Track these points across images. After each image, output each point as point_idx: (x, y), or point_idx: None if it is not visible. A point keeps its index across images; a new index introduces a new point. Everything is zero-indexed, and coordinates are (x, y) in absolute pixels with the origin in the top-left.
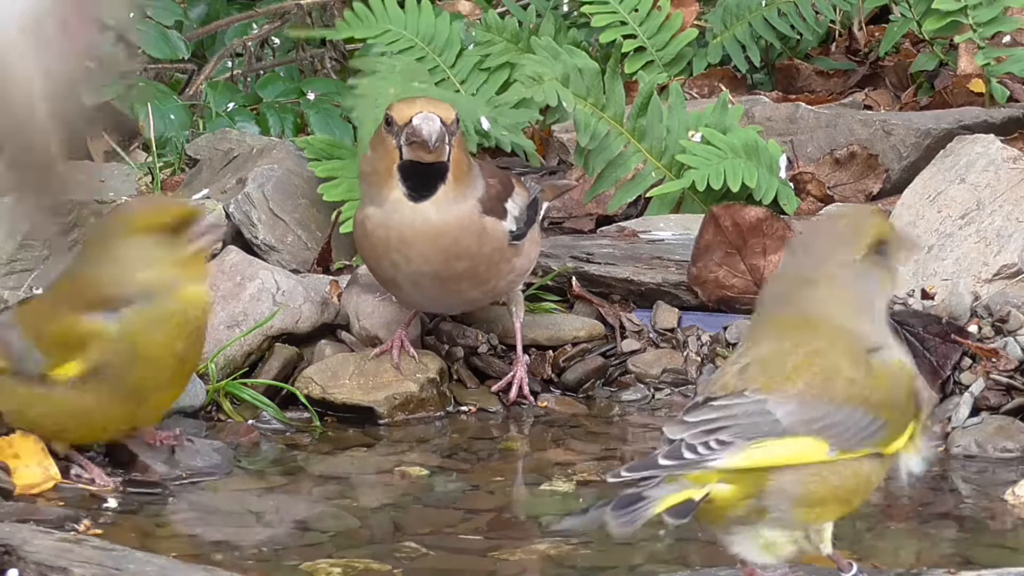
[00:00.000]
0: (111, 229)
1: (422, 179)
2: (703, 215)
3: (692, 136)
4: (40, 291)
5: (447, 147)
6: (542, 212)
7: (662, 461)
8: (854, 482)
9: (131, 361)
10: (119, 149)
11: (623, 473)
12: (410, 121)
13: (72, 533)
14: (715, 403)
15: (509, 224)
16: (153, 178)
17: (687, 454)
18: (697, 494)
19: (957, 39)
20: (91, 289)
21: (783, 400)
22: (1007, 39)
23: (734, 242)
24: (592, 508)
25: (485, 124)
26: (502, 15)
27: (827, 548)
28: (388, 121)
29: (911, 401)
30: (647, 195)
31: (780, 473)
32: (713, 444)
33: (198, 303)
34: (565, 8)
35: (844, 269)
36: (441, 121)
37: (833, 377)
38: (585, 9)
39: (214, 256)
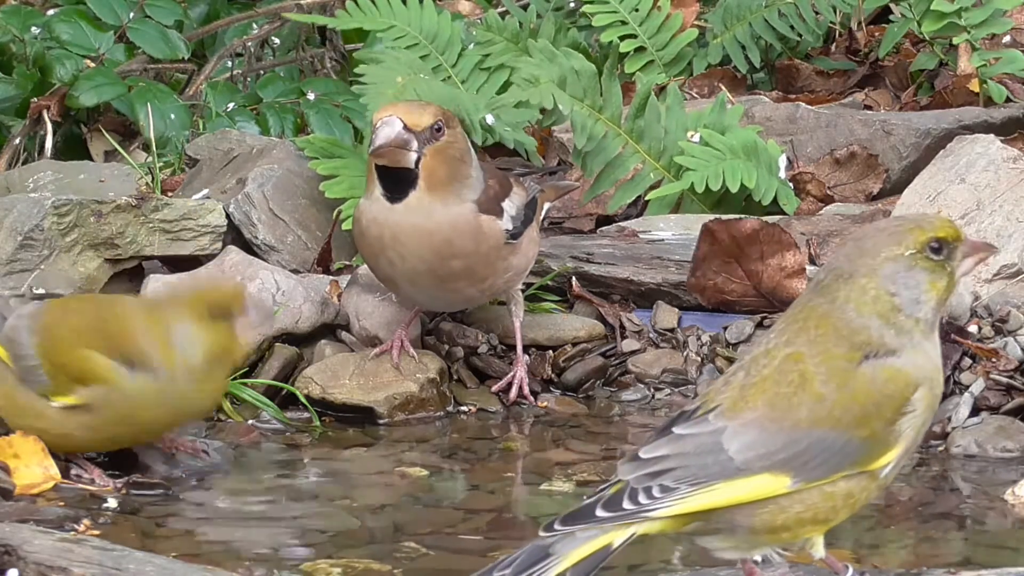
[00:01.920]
0: (169, 301)
1: (394, 181)
2: (702, 214)
3: (691, 136)
4: (40, 291)
5: (411, 153)
6: (543, 212)
7: (599, 513)
8: (828, 504)
9: (125, 417)
10: (120, 148)
11: (556, 527)
12: (375, 124)
13: (72, 533)
14: (675, 431)
15: (506, 223)
16: (153, 178)
17: (627, 504)
18: (619, 537)
19: (955, 40)
20: (124, 339)
21: (741, 429)
22: (1007, 39)
23: (731, 251)
24: (497, 567)
25: (490, 119)
26: (502, 15)
27: (819, 553)
28: (371, 122)
29: (900, 413)
30: (646, 197)
31: (728, 509)
32: (656, 492)
33: (212, 396)
34: (572, 4)
35: (887, 264)
36: (405, 127)
37: (800, 393)
38: (586, 8)
39: (213, 256)
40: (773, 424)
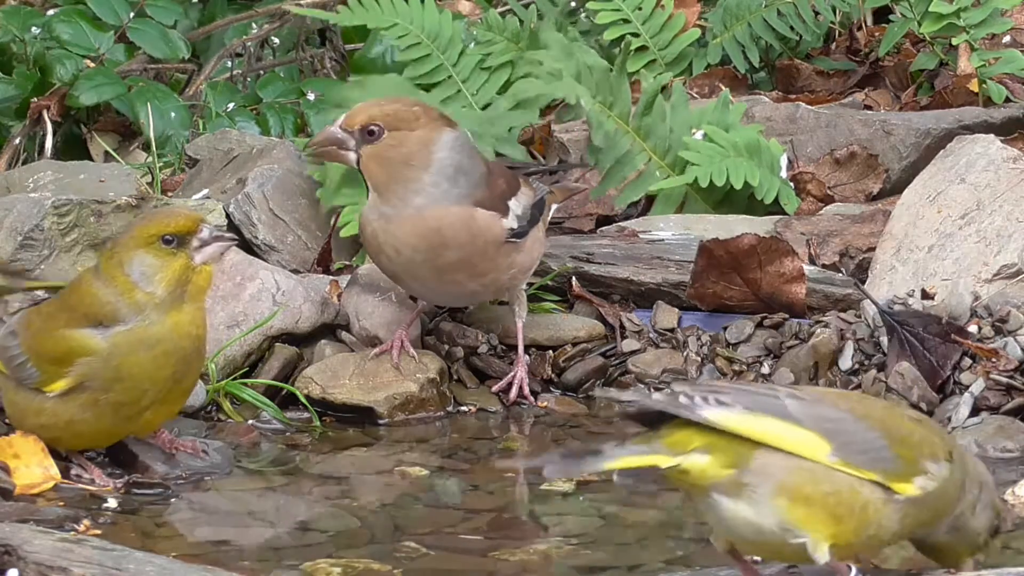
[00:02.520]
0: (117, 242)
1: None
2: (704, 214)
3: (695, 133)
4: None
5: (348, 153)
6: (550, 213)
7: (656, 396)
8: (848, 499)
9: (116, 379)
10: (112, 152)
11: (613, 394)
12: None
13: (72, 533)
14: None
15: (510, 221)
16: (153, 178)
17: (683, 399)
18: (666, 462)
19: (954, 40)
20: (88, 303)
21: (799, 400)
22: (1007, 39)
23: (729, 265)
24: (546, 455)
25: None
26: (503, 15)
27: (822, 558)
28: None
29: (931, 457)
30: (650, 191)
31: (768, 453)
32: (711, 400)
33: (189, 333)
34: (572, 4)
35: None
36: (342, 126)
37: (858, 403)
38: (590, 6)
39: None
40: (830, 408)
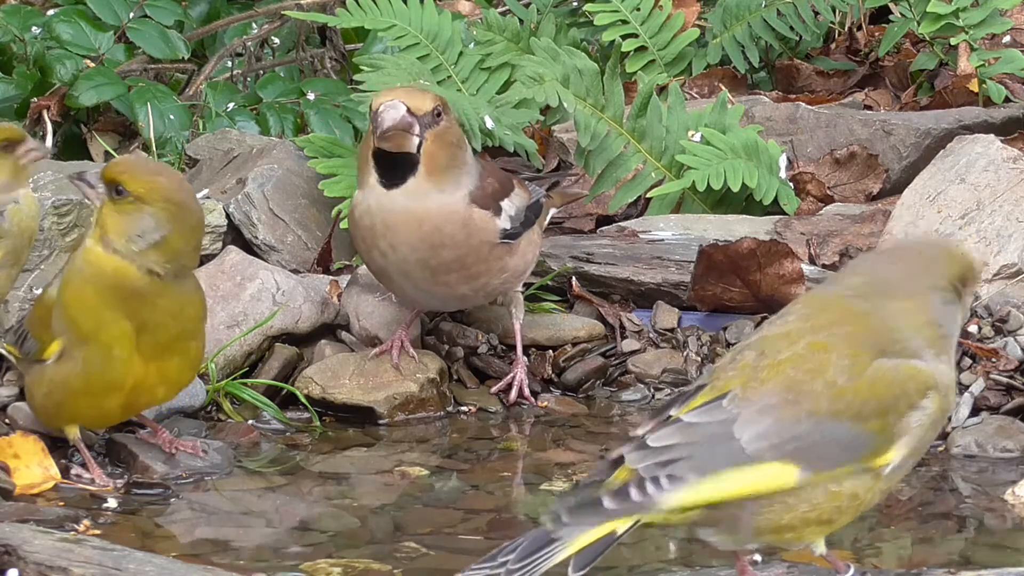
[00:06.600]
0: None
1: (392, 168)
2: (703, 214)
3: (692, 136)
4: (39, 291)
5: (414, 137)
6: (547, 218)
7: (608, 505)
8: (833, 504)
9: (64, 316)
10: (112, 152)
11: (563, 519)
12: (378, 109)
13: (72, 533)
14: (686, 419)
15: (503, 222)
16: None
17: (634, 494)
18: (623, 524)
19: (953, 40)
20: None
21: (756, 417)
22: (1007, 39)
23: (729, 268)
24: (501, 552)
25: (489, 123)
26: (503, 15)
27: (820, 549)
28: (370, 108)
29: (911, 408)
30: (647, 196)
31: (734, 503)
32: (663, 481)
33: (104, 273)
34: (575, 3)
35: (934, 292)
36: (408, 111)
37: (819, 382)
38: (588, 8)
39: (213, 256)
40: (788, 413)
